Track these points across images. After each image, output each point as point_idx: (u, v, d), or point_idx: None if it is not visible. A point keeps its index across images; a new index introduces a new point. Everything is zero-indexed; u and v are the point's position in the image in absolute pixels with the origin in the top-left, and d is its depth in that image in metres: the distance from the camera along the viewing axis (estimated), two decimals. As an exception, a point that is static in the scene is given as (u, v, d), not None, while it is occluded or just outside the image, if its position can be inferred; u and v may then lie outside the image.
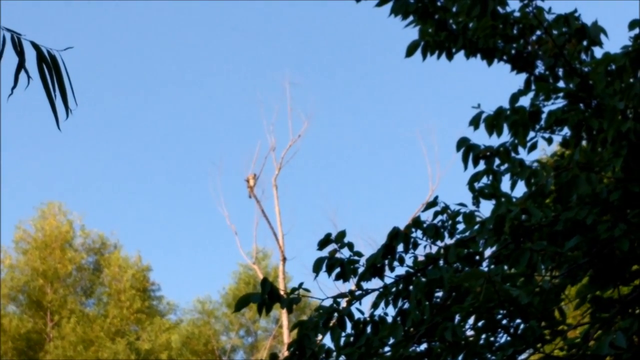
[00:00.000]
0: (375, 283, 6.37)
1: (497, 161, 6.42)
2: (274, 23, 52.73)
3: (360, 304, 6.28)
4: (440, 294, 5.89)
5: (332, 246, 6.39)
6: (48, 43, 3.00)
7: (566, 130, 6.31)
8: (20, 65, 2.98)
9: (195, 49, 53.89)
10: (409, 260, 6.35)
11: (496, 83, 40.13)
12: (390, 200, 48.21)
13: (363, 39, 52.48)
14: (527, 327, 5.45)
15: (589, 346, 5.49)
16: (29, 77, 3.00)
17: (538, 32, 6.80)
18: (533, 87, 6.65)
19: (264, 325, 38.30)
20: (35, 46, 2.96)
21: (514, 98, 6.28)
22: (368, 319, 6.13)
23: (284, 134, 29.77)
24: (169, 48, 53.67)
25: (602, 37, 6.72)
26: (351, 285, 6.46)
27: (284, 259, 28.16)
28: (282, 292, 6.13)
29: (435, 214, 6.44)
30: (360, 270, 6.35)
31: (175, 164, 53.33)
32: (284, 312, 25.97)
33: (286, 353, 6.17)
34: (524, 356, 5.68)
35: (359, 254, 6.39)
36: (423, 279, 5.96)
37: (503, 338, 5.65)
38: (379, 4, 6.84)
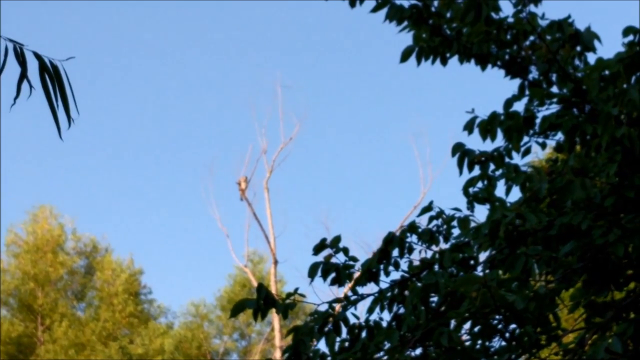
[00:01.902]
0: (370, 288, 6.39)
1: (491, 166, 6.44)
2: (265, 25, 52.76)
3: (355, 308, 6.30)
4: (435, 298, 5.91)
5: (327, 251, 6.40)
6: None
7: (560, 135, 6.33)
8: (23, 76, 2.99)
9: (186, 52, 53.89)
10: (404, 265, 6.37)
11: (490, 88, 40.19)
12: (382, 202, 48.27)
13: (355, 41, 52.56)
14: (522, 332, 5.47)
15: (584, 351, 5.51)
16: (31, 87, 3.02)
17: (532, 38, 6.82)
18: (527, 92, 6.67)
19: (258, 328, 38.27)
20: (38, 56, 2.98)
21: (508, 103, 6.29)
22: (363, 324, 6.14)
23: (276, 136, 29.87)
24: (160, 51, 53.65)
25: (596, 41, 6.74)
26: (346, 289, 6.48)
27: (276, 262, 28.16)
28: (275, 296, 6.14)
29: (430, 219, 6.47)
30: (356, 275, 6.36)
31: (167, 167, 53.32)
32: (276, 315, 25.86)
33: (279, 357, 6.18)
34: (519, 361, 5.70)
35: (355, 259, 6.40)
36: (418, 284, 5.98)
37: (499, 343, 5.67)
38: (374, 10, 6.85)
